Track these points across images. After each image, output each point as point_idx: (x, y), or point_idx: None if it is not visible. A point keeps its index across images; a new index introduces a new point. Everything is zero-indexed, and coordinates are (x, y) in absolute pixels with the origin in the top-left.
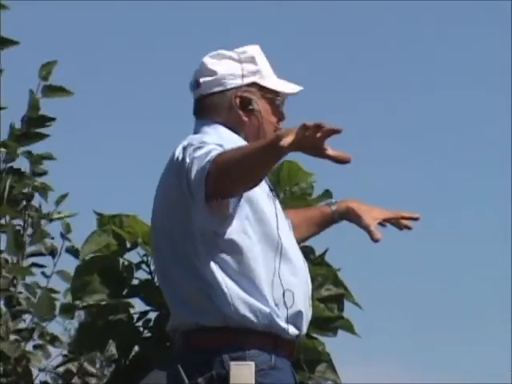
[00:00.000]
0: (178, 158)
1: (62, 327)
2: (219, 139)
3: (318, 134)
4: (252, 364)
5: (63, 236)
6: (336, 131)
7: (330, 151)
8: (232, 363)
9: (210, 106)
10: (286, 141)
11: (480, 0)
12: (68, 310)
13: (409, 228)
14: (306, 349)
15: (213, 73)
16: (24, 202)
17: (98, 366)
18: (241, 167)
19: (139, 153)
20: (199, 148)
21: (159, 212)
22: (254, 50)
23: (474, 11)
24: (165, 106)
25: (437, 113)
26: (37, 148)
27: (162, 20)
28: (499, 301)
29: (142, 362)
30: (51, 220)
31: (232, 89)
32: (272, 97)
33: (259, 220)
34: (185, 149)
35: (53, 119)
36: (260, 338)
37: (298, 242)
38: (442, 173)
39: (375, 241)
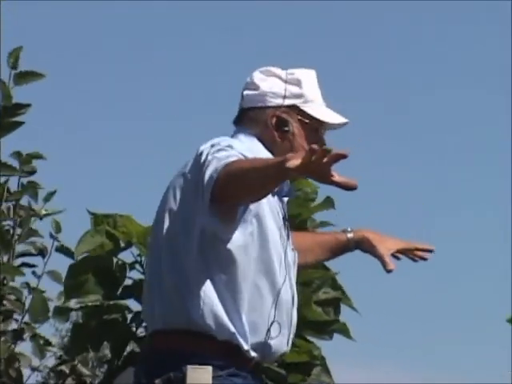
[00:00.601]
0: (201, 155)
1: (54, 328)
2: (247, 149)
3: (325, 159)
4: (209, 368)
5: (52, 236)
6: (343, 156)
7: (337, 177)
8: (189, 366)
9: (249, 119)
10: (293, 163)
11: (480, 0)
12: (62, 313)
13: (424, 259)
14: (302, 352)
15: (256, 88)
16: (14, 202)
17: (89, 366)
18: (247, 178)
19: (135, 153)
20: (223, 150)
21: (167, 210)
22: (304, 74)
23: (474, 11)
24: (161, 107)
25: (437, 113)
26: (29, 146)
27: (161, 20)
28: (499, 301)
29: (135, 362)
30: (41, 218)
31: (271, 107)
32: (311, 123)
33: (262, 243)
34: (212, 147)
35: (28, 105)
36: (221, 346)
37: (310, 265)
38: (443, 173)
39: (388, 271)
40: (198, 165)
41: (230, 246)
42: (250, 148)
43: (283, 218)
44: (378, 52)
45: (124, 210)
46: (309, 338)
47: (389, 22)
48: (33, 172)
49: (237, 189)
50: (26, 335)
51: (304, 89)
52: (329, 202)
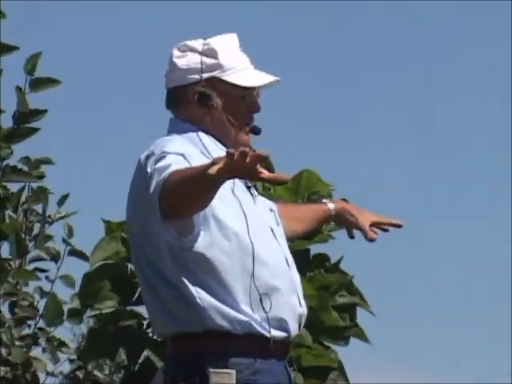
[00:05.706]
0: (142, 168)
1: (71, 333)
2: (183, 145)
3: (248, 160)
4: (233, 372)
5: (65, 241)
6: (262, 158)
7: (265, 174)
8: (212, 371)
9: (175, 100)
10: (214, 169)
11: (482, 1)
12: (76, 315)
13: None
14: (319, 356)
15: (174, 66)
16: (25, 206)
17: (107, 372)
18: (183, 191)
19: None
20: (160, 159)
21: (131, 219)
22: (221, 42)
23: (475, 15)
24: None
25: (445, 114)
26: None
27: (161, 19)
28: (502, 301)
29: (152, 368)
30: (52, 221)
31: (191, 84)
32: (235, 91)
33: (228, 230)
34: (147, 158)
35: (44, 111)
36: (242, 341)
37: (298, 235)
38: (460, 175)
39: (371, 240)
40: (141, 177)
41: (199, 250)
42: (185, 144)
43: (246, 187)
44: (379, 58)
45: None
46: (325, 343)
47: (390, 25)
48: (41, 177)
49: (179, 203)
50: (41, 339)
51: (221, 58)
52: None
